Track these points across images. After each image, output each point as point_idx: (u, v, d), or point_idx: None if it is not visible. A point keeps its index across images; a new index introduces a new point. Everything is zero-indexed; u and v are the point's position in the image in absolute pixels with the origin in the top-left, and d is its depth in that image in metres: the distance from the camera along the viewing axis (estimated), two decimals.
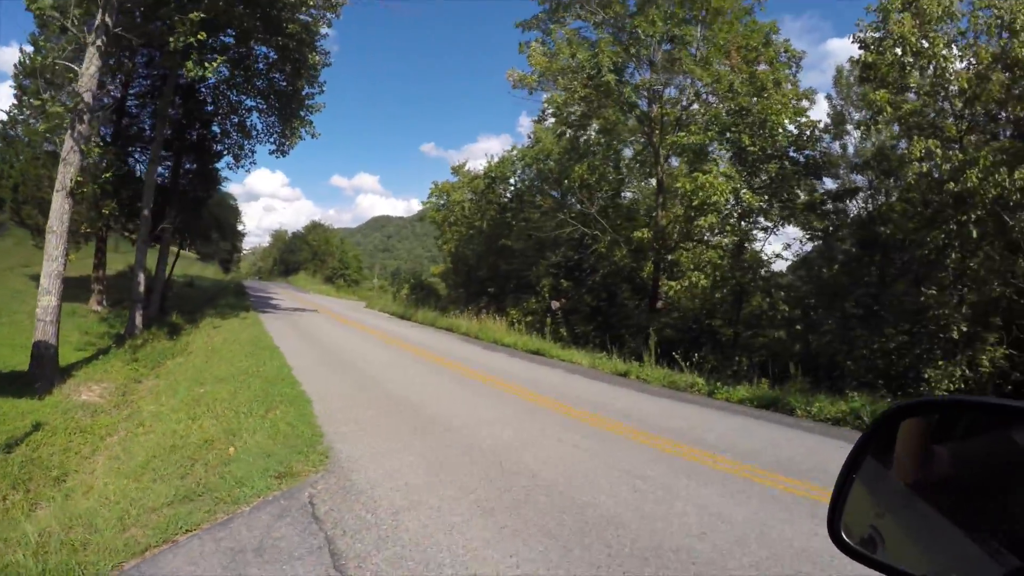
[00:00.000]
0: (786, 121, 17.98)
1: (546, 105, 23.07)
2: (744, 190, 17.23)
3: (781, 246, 19.17)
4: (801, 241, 19.11)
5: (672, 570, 4.65)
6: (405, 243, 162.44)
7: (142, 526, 5.27)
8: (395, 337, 21.64)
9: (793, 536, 5.37)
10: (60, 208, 14.07)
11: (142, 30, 17.64)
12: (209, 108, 27.26)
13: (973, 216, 12.77)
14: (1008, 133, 14.49)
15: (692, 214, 17.69)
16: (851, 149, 24.78)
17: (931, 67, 13.72)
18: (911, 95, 14.70)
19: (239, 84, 25.57)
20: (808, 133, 18.68)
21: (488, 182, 30.63)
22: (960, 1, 14.01)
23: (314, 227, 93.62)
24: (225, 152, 28.39)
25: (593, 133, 24.38)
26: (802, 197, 19.05)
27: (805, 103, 19.90)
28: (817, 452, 8.59)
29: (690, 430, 9.58)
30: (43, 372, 13.53)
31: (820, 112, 48.50)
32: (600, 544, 5.02)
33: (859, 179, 22.30)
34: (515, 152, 30.15)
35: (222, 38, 22.19)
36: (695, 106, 21.72)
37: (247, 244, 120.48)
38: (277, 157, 27.39)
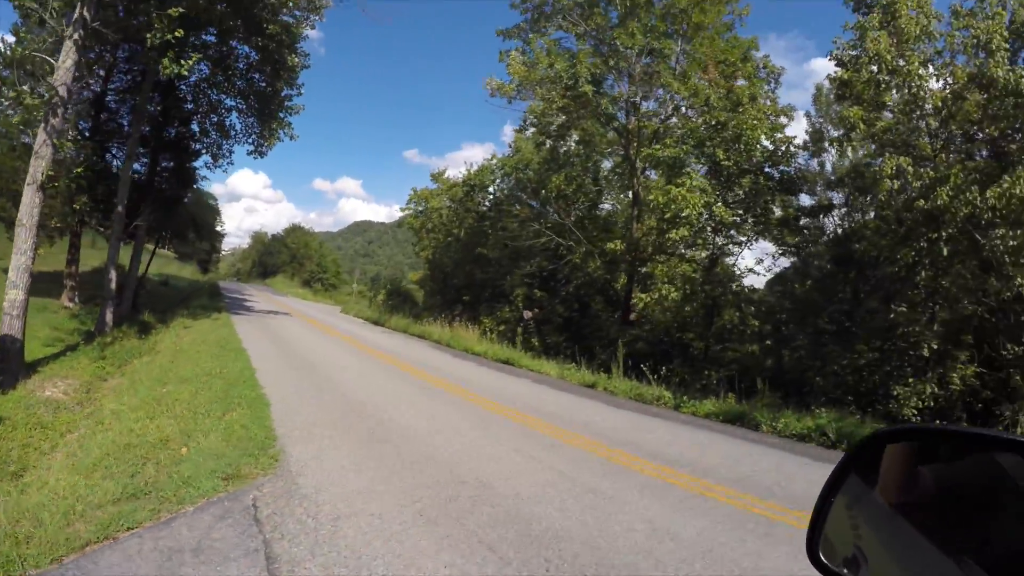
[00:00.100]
0: (762, 136, 17.91)
1: (527, 114, 22.92)
2: (717, 204, 17.11)
3: (754, 260, 18.86)
4: (774, 256, 19.05)
5: None
6: (386, 249, 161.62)
7: (86, 522, 5.21)
8: (365, 343, 21.42)
9: (742, 556, 5.22)
10: (30, 202, 13.83)
11: (120, 25, 17.43)
12: (189, 106, 26.98)
13: (944, 234, 12.73)
14: (984, 153, 14.48)
15: (664, 227, 17.58)
16: (829, 167, 24.92)
17: (906, 86, 13.68)
18: (887, 113, 14.68)
19: (220, 83, 25.25)
20: (783, 149, 18.62)
21: (467, 190, 30.48)
22: (939, 21, 13.98)
23: (294, 230, 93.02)
24: (203, 151, 28.18)
25: (573, 144, 24.28)
26: (777, 213, 18.99)
27: (783, 119, 19.95)
28: (778, 469, 8.44)
29: (651, 443, 9.43)
30: (7, 367, 13.22)
31: (801, 130, 48.85)
32: (540, 559, 4.89)
33: (836, 196, 22.38)
34: (495, 161, 30.03)
35: (204, 37, 22.01)
36: (674, 120, 21.67)
37: (227, 245, 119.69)
38: (255, 158, 27.15)
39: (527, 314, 23.48)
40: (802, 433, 10.64)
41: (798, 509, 6.41)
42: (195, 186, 32.04)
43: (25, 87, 14.14)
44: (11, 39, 16.49)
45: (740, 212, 18.68)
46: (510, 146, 31.03)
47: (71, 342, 17.99)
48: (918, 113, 14.13)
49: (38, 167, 13.87)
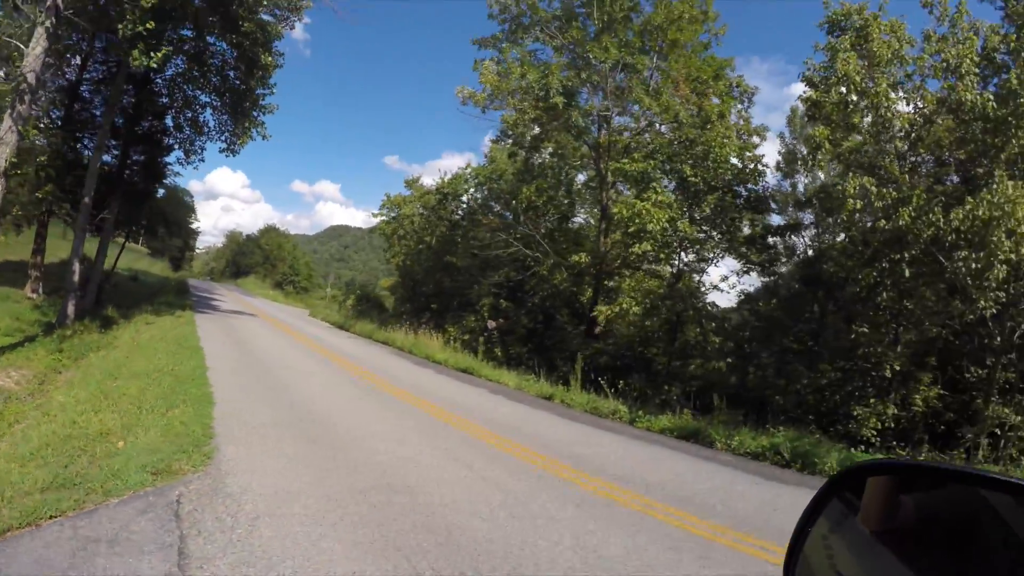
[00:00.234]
0: (730, 155, 17.83)
1: (504, 125, 22.80)
2: (683, 219, 16.98)
3: (719, 278, 18.69)
4: (738, 273, 18.90)
5: None
6: (362, 254, 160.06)
7: (12, 508, 5.20)
8: (326, 347, 21.13)
9: None
10: None
11: (93, 15, 17.07)
12: (164, 100, 26.74)
13: (908, 255, 12.64)
14: (955, 178, 14.48)
15: (628, 240, 17.42)
16: (801, 188, 25.01)
17: (874, 107, 13.63)
18: (857, 135, 14.64)
19: (195, 79, 25.01)
20: (751, 167, 18.54)
21: (440, 198, 30.21)
22: (911, 47, 13.96)
23: (268, 231, 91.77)
24: (176, 146, 27.98)
25: (547, 156, 24.15)
26: (746, 231, 18.90)
27: (756, 139, 19.96)
28: (727, 488, 8.24)
29: (598, 458, 9.21)
30: None
31: (776, 151, 49.17)
32: (454, 570, 4.78)
33: (807, 217, 22.39)
34: (469, 170, 29.83)
35: (181, 31, 21.81)
36: (647, 135, 21.59)
37: (203, 243, 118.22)
38: (227, 156, 26.86)
39: (491, 324, 23.23)
40: (756, 451, 10.47)
41: (739, 530, 6.20)
42: (165, 181, 31.77)
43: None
44: None
45: (705, 228, 18.56)
46: (486, 156, 30.86)
47: (31, 333, 17.75)
48: (887, 135, 14.10)
49: (1, 154, 13.55)
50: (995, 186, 11.20)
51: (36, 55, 14.08)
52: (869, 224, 13.92)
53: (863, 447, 12.12)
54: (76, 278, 19.97)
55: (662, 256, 17.77)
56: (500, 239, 24.25)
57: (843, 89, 13.82)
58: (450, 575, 4.67)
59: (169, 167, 29.71)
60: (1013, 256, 11.21)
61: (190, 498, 5.73)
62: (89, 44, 23.50)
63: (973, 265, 11.83)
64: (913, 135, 13.81)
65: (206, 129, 27.07)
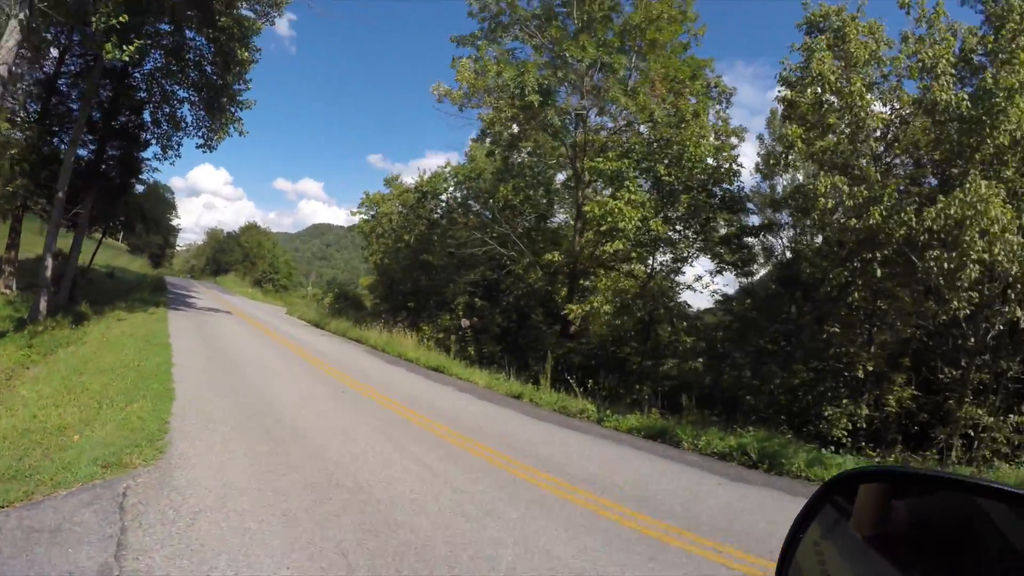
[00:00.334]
0: (706, 155, 17.68)
1: (483, 123, 22.61)
2: (656, 218, 16.80)
3: (693, 277, 18.54)
4: (712, 273, 18.75)
5: None
6: (344, 252, 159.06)
7: None
8: (298, 344, 20.91)
9: None
10: None
11: (67, 8, 16.84)
12: (142, 95, 26.62)
13: (880, 255, 12.53)
14: (932, 181, 14.42)
15: (601, 239, 17.26)
16: (780, 189, 24.95)
17: (848, 107, 13.54)
18: (832, 136, 14.54)
19: (173, 73, 24.86)
20: (727, 167, 18.40)
21: (419, 196, 29.95)
22: (889, 48, 13.89)
23: (249, 228, 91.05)
24: (153, 141, 27.81)
25: (526, 155, 23.97)
26: (722, 231, 18.76)
27: (734, 139, 19.84)
28: (689, 488, 8.06)
29: (560, 457, 9.05)
30: None
31: (756, 152, 49.41)
32: (391, 569, 4.69)
33: (784, 217, 22.30)
34: (448, 169, 29.56)
35: (159, 25, 21.79)
36: (625, 135, 21.45)
37: (184, 240, 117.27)
38: (204, 152, 26.68)
39: (465, 323, 23.01)
40: (724, 452, 10.32)
41: (697, 532, 6.01)
42: (143, 176, 31.57)
43: None
44: None
45: (679, 228, 18.41)
46: (466, 155, 30.64)
47: (2, 329, 17.69)
48: (862, 135, 14.00)
49: None
50: (968, 185, 11.10)
51: (9, 48, 13.88)
52: (842, 223, 13.81)
53: (834, 448, 11.98)
54: (49, 274, 19.84)
55: (634, 255, 17.60)
56: (476, 238, 24.06)
57: (818, 89, 13.74)
58: (385, 573, 4.55)
59: (146, 162, 29.66)
60: (986, 256, 11.09)
61: (136, 491, 5.75)
62: (67, 37, 23.37)
63: (946, 265, 11.71)
64: (889, 136, 13.71)
65: (183, 124, 26.94)
